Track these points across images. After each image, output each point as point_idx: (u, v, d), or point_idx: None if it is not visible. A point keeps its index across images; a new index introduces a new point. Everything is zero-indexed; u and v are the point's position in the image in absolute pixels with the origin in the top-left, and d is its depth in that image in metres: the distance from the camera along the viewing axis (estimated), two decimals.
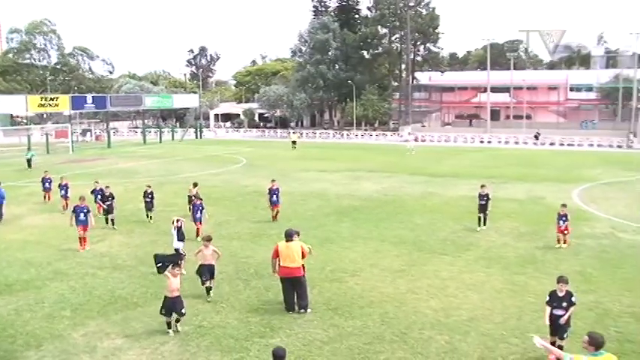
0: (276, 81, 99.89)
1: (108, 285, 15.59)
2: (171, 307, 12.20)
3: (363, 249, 19.05)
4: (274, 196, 23.09)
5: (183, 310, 12.31)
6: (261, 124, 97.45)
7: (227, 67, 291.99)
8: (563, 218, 18.86)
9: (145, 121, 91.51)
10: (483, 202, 21.51)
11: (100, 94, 79.17)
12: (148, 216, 23.57)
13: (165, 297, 12.31)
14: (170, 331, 12.24)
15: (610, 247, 19.12)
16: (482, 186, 22.24)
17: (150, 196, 23.66)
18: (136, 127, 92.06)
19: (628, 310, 13.44)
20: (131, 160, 49.04)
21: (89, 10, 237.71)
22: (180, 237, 17.36)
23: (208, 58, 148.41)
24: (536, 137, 64.81)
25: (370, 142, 72.50)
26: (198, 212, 20.56)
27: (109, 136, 67.47)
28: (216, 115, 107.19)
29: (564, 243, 18.89)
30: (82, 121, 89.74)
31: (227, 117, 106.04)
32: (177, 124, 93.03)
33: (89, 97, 69.78)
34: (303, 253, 13.39)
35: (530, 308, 13.39)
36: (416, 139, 66.64)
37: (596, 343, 7.82)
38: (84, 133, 79.42)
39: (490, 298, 14.24)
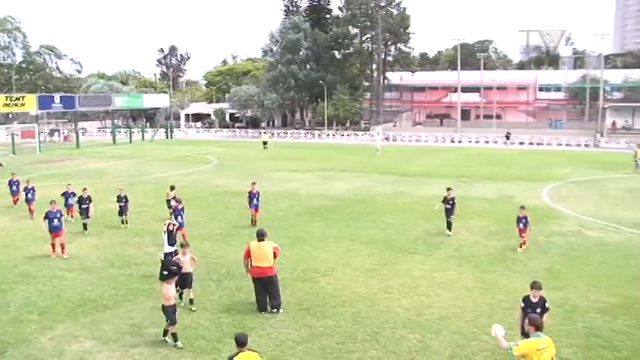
0: (247, 81, 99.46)
1: (77, 287, 15.33)
2: (172, 314, 11.73)
3: (334, 249, 19.05)
4: (255, 199, 22.46)
5: (176, 319, 11.83)
6: (232, 124, 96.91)
7: (198, 67, 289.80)
8: (523, 220, 18.61)
9: (115, 121, 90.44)
10: (449, 206, 20.86)
11: (68, 94, 77.88)
12: (122, 221, 22.63)
13: (163, 306, 11.79)
14: (179, 343, 11.67)
15: (578, 244, 19.42)
16: (449, 189, 21.67)
17: (124, 199, 22.81)
18: (106, 128, 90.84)
19: (594, 305, 13.68)
20: (100, 161, 48.38)
21: (56, 7, 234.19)
22: (172, 241, 16.47)
23: (179, 57, 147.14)
24: (507, 137, 65.33)
25: (341, 141, 72.60)
26: (180, 217, 19.28)
27: (77, 137, 66.50)
28: (187, 115, 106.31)
29: (523, 245, 18.68)
30: (49, 121, 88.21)
31: (198, 117, 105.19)
32: (148, 124, 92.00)
33: (57, 97, 68.49)
34: (275, 253, 13.36)
35: (500, 306, 13.54)
36: (387, 139, 66.94)
37: (535, 324, 8.53)
38: (52, 133, 78.12)
39: (461, 297, 14.36)
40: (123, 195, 22.92)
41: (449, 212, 20.93)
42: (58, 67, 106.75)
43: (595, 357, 11.11)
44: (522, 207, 19.26)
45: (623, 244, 19.46)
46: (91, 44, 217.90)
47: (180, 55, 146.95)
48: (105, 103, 76.68)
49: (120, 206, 22.76)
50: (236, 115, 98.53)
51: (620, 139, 62.87)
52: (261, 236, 13.49)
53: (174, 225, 17.00)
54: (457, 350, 11.38)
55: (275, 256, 13.38)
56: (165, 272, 12.05)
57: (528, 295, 10.54)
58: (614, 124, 68.73)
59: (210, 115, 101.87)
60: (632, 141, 60.15)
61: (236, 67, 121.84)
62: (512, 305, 11.54)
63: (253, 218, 22.59)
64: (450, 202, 20.93)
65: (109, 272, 16.69)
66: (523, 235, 18.70)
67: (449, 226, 21.02)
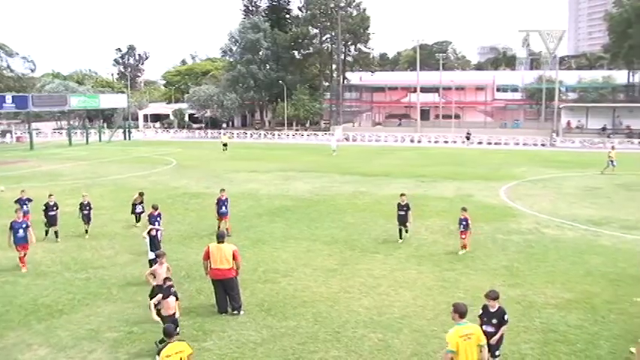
0: (207, 81, 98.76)
1: (30, 293, 14.91)
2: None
3: (295, 249, 19.01)
4: (223, 206, 21.34)
5: (177, 330, 11.25)
6: (191, 124, 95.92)
7: (156, 67, 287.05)
8: (464, 222, 18.39)
9: (71, 121, 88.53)
10: (403, 213, 19.88)
11: (20, 94, 75.78)
12: (85, 230, 21.33)
13: (162, 316, 11.44)
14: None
15: (535, 242, 19.78)
16: (402, 195, 20.53)
17: (87, 207, 21.18)
18: (61, 129, 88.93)
19: (551, 301, 13.95)
20: (56, 163, 47.30)
21: (5, 3, 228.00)
22: (154, 247, 15.82)
23: (137, 57, 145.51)
24: (468, 137, 65.86)
25: (301, 142, 72.56)
26: (156, 223, 17.94)
27: (31, 138, 64.89)
28: (146, 116, 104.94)
29: (464, 248, 18.48)
30: (0, 122, 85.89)
31: (156, 117, 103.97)
32: (105, 125, 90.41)
33: (8, 97, 66.27)
34: (235, 255, 13.18)
35: None
36: (347, 139, 67.13)
37: (459, 311, 8.58)
38: (3, 134, 76.27)
39: (422, 295, 14.45)
40: (87, 202, 21.47)
41: (402, 219, 19.99)
42: (9, 66, 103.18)
43: (552, 351, 11.31)
44: (464, 209, 19.02)
45: (578, 241, 19.91)
46: (45, 42, 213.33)
47: (139, 54, 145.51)
48: (60, 103, 74.78)
49: (83, 214, 21.29)
50: (195, 116, 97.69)
51: (574, 138, 64.36)
52: (220, 238, 13.39)
53: (157, 230, 16.66)
54: (418, 348, 11.45)
55: (235, 258, 13.19)
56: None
57: (487, 304, 9.94)
58: (569, 123, 70.29)
59: (169, 115, 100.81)
60: (586, 140, 61.99)
61: (195, 67, 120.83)
62: (472, 303, 11.64)
63: (220, 225, 20.83)
64: (404, 209, 19.93)
65: (65, 276, 16.30)
66: (463, 237, 18.57)
67: (401, 233, 20.13)
